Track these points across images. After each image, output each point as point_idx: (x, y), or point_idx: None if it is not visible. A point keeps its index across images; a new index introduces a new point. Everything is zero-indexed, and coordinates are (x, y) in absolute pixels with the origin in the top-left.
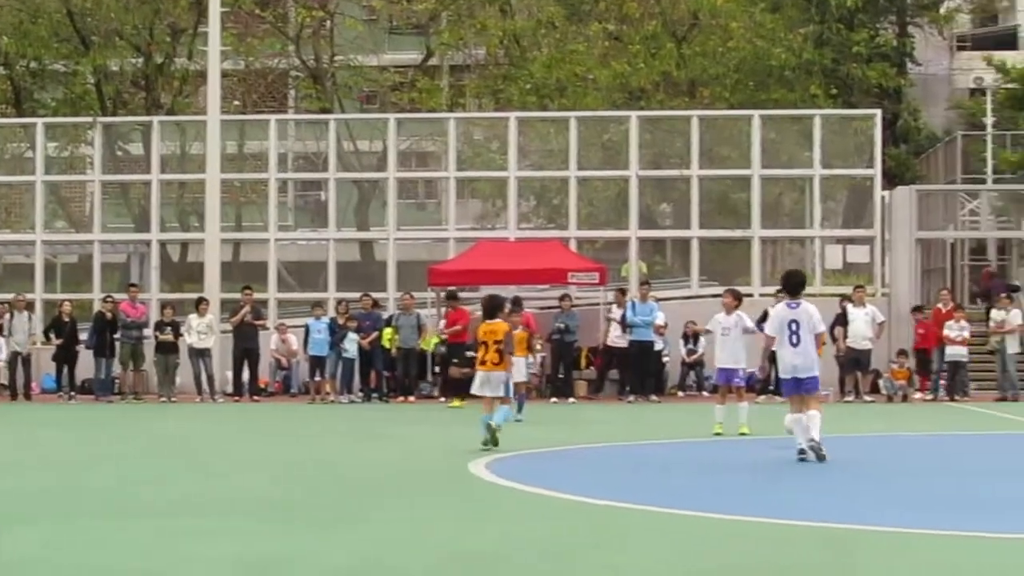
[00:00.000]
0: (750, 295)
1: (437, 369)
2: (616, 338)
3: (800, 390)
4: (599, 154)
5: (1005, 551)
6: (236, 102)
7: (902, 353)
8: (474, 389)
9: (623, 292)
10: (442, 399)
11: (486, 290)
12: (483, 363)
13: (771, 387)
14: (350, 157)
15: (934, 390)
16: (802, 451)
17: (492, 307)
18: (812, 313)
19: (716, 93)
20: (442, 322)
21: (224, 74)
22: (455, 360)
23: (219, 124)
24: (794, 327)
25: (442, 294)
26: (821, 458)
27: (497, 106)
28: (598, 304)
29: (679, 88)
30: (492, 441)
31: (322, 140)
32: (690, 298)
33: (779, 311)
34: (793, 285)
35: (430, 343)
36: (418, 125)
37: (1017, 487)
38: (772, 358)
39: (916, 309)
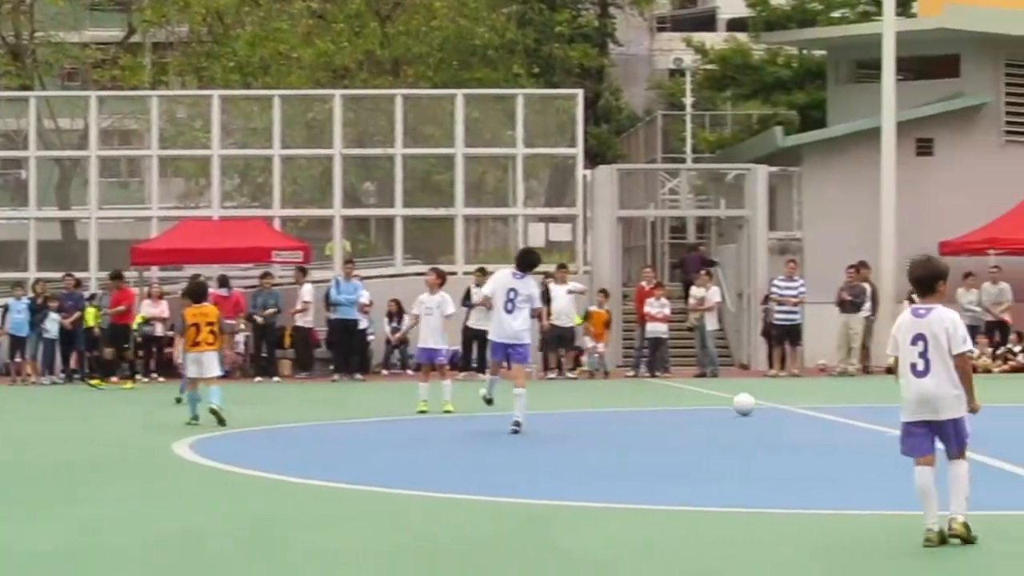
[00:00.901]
0: (454, 273)
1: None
2: (302, 317)
3: (510, 357)
4: (303, 132)
5: (701, 523)
6: None
7: (603, 292)
8: (190, 372)
9: (303, 272)
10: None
11: (191, 270)
12: (196, 344)
13: (474, 364)
14: (51, 135)
15: (635, 366)
16: (517, 423)
17: (200, 292)
18: (532, 288)
19: (420, 72)
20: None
21: None
22: (127, 344)
23: None
24: (512, 295)
25: (145, 273)
26: (515, 430)
27: (200, 84)
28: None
29: (383, 67)
30: (220, 421)
31: (22, 118)
32: (394, 276)
33: (502, 277)
34: (527, 263)
35: (133, 322)
36: (120, 103)
37: (714, 460)
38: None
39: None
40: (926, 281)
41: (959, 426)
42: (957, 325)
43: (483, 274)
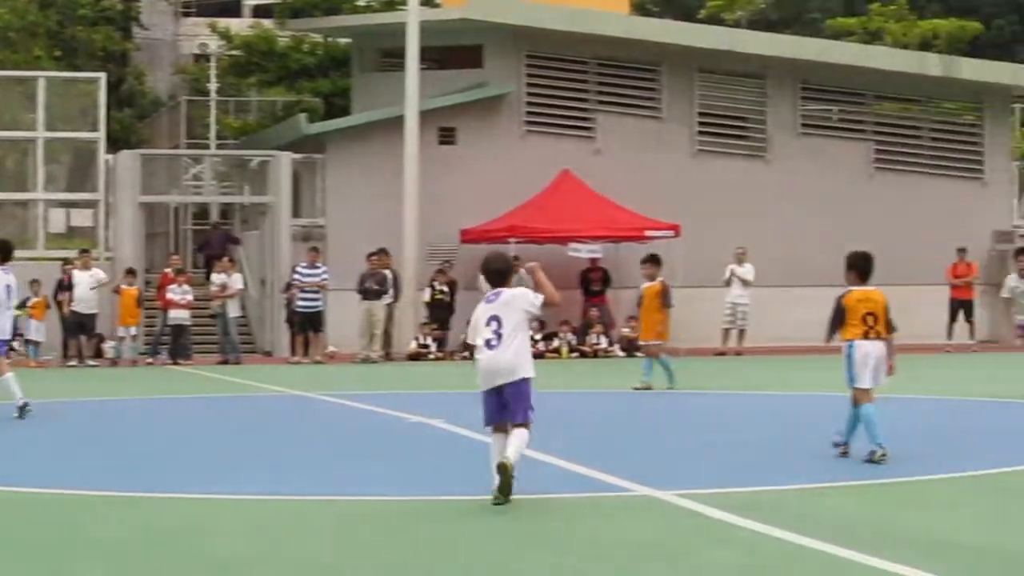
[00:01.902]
0: None
1: None
2: None
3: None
4: None
5: (222, 511)
6: None
7: (130, 272)
8: None
9: None
10: None
11: None
12: None
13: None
14: None
15: (153, 353)
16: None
17: None
18: (11, 276)
19: None
20: None
21: None
22: None
23: None
24: (8, 291)
25: None
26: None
27: None
28: None
29: None
30: None
31: None
32: None
33: None
34: (5, 252)
35: None
36: None
37: (234, 448)
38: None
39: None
40: (504, 272)
41: (523, 389)
42: (525, 293)
43: None
